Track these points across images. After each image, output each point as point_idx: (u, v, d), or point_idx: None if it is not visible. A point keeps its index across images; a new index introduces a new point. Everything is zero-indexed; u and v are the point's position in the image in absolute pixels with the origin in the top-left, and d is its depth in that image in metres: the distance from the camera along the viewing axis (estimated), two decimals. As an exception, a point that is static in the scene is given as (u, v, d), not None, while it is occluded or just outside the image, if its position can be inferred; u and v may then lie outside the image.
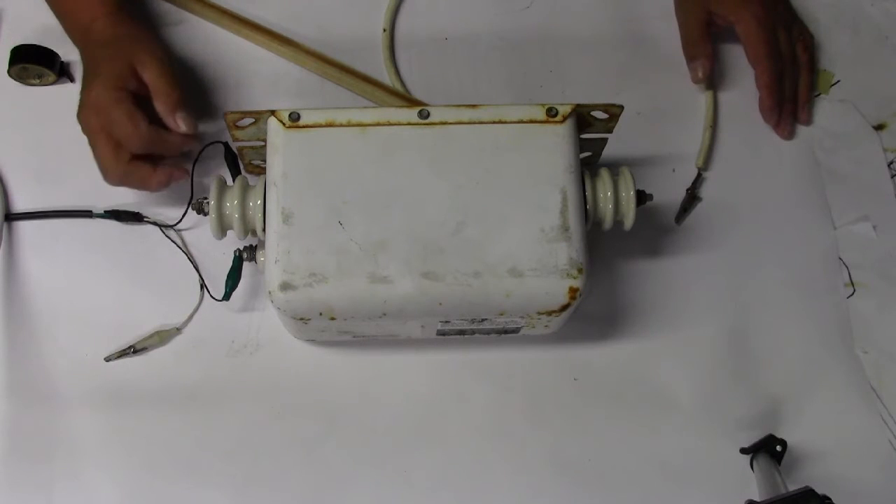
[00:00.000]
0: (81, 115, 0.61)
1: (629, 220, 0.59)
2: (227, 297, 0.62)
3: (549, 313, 0.55)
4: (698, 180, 0.70)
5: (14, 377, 0.63)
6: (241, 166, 0.64)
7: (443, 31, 0.74)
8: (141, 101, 0.61)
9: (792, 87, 0.72)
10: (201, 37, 0.73)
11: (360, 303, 0.53)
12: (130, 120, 0.59)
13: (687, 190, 0.69)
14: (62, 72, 0.70)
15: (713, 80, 0.73)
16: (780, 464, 0.59)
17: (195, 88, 0.71)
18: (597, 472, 0.62)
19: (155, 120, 0.62)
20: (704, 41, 0.72)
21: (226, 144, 0.64)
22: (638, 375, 0.65)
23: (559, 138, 0.56)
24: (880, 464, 0.63)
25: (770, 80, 0.70)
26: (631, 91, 0.73)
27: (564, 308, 0.54)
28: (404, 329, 0.59)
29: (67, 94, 0.70)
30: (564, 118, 0.56)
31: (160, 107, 0.62)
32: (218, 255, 0.66)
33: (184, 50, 0.72)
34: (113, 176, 0.61)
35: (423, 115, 0.56)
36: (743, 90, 0.73)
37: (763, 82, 0.71)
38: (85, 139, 0.61)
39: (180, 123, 0.62)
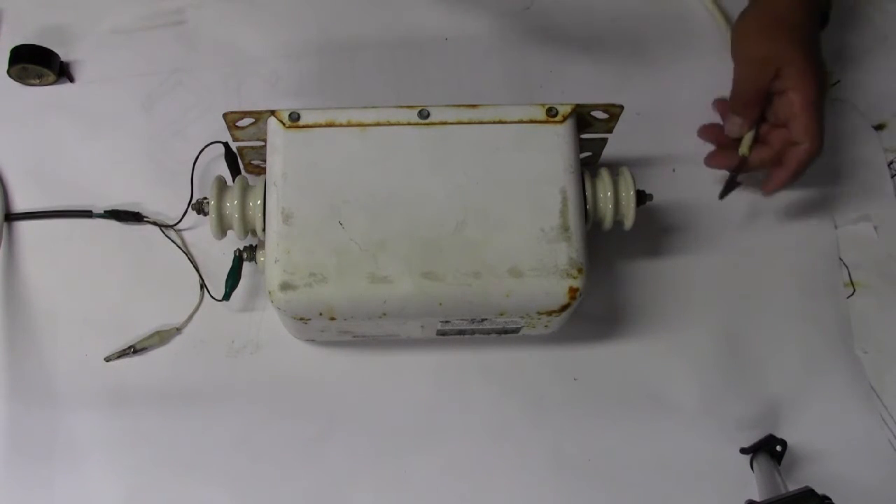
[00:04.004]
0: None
1: (629, 220, 0.59)
2: (227, 297, 0.62)
3: (549, 313, 0.55)
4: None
5: (14, 377, 0.63)
6: (241, 166, 0.64)
7: (443, 31, 0.74)
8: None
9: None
10: (202, 37, 0.73)
11: (360, 303, 0.53)
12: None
13: (730, 172, 0.65)
14: (62, 72, 0.70)
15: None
16: (780, 464, 0.59)
17: (195, 88, 0.71)
18: (597, 471, 0.62)
19: None
20: (755, 105, 0.63)
21: (226, 144, 0.63)
22: (638, 375, 0.65)
23: (559, 138, 0.55)
24: (880, 464, 0.63)
25: (808, 161, 0.63)
26: (631, 91, 0.73)
27: (564, 308, 0.54)
28: (404, 329, 0.59)
29: (67, 94, 0.70)
30: (564, 118, 0.56)
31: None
32: (218, 255, 0.66)
33: (184, 50, 0.72)
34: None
35: (423, 115, 0.56)
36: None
37: (799, 160, 0.63)
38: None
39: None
